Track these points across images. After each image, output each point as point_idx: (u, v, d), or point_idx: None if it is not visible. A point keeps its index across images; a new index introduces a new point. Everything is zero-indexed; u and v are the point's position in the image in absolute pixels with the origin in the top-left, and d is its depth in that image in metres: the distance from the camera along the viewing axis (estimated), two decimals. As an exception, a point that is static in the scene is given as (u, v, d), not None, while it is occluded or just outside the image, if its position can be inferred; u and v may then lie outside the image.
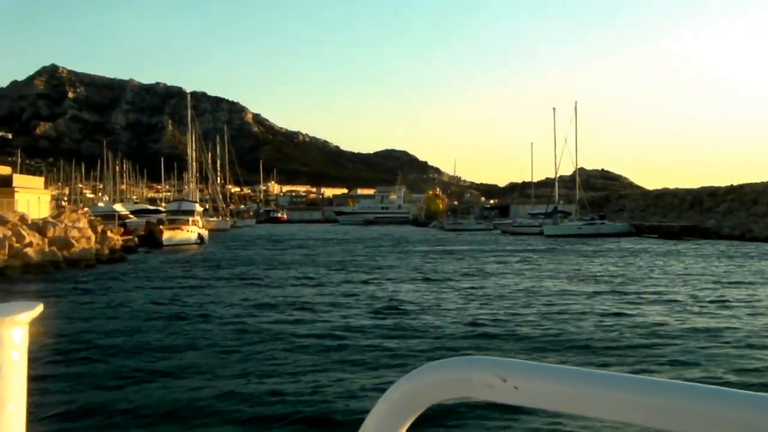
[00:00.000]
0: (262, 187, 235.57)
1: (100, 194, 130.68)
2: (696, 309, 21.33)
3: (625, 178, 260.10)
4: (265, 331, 17.79)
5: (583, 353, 14.82)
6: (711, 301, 23.04)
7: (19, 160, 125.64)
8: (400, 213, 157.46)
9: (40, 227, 37.19)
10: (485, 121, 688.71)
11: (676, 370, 13.19)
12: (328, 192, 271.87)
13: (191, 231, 60.16)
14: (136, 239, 53.03)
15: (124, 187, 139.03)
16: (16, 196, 46.24)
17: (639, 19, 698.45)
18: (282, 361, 14.16)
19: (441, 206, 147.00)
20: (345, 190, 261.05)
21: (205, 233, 63.50)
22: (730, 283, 28.98)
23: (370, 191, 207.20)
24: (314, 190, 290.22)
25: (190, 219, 61.73)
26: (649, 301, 23.24)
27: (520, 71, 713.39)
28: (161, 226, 57.79)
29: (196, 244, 59.65)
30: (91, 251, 37.85)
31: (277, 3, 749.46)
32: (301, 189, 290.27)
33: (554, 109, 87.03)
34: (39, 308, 1.59)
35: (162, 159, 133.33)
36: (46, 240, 36.04)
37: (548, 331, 17.50)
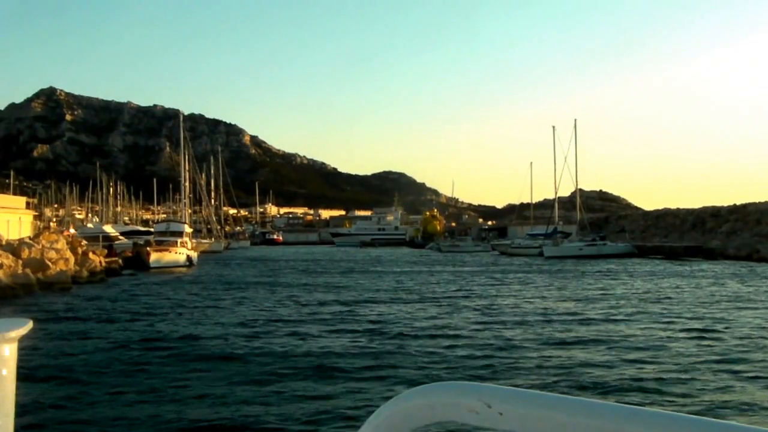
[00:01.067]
0: (260, 209, 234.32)
1: (90, 215, 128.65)
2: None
3: (623, 199, 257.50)
4: (235, 353, 16.58)
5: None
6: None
7: (12, 181, 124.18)
8: (397, 234, 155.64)
9: (14, 248, 35.33)
10: (483, 142, 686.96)
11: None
12: (326, 214, 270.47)
13: (179, 253, 58.28)
14: (120, 261, 51.16)
15: (119, 209, 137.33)
16: (-7, 216, 44.42)
17: (637, 40, 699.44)
18: (259, 386, 13.43)
19: (438, 227, 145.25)
20: (342, 212, 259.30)
21: (194, 255, 61.58)
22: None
23: (368, 213, 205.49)
24: (311, 212, 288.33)
25: (179, 240, 59.80)
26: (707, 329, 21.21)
27: (519, 91, 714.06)
28: (148, 248, 55.91)
29: (184, 266, 57.78)
30: (67, 274, 35.94)
31: (274, 27, 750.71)
32: (299, 211, 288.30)
33: (554, 127, 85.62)
34: (29, 325, 1.66)
35: (155, 180, 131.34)
36: (20, 262, 34.16)
37: (620, 369, 15.09)
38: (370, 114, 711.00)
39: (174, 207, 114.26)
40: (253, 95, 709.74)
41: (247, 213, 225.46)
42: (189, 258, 59.36)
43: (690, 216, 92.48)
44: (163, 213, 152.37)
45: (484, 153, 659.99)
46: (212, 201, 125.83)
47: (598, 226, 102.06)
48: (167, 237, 60.43)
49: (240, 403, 12.02)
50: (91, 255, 43.33)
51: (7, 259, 33.21)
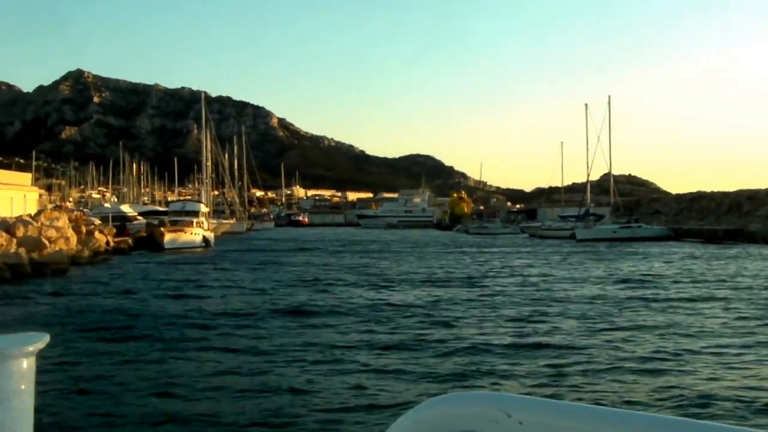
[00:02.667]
0: (287, 192, 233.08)
1: (109, 196, 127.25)
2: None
3: (652, 183, 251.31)
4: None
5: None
6: None
7: (33, 162, 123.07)
8: (424, 216, 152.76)
9: (8, 226, 33.12)
10: (512, 124, 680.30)
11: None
12: (353, 196, 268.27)
13: (195, 233, 56.02)
14: (130, 241, 49.02)
15: (142, 189, 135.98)
16: (-6, 192, 42.22)
17: (669, 22, 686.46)
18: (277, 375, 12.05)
19: (466, 209, 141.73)
20: (370, 195, 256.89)
21: (210, 235, 59.33)
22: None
23: (395, 195, 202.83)
24: (339, 194, 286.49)
25: (194, 220, 57.51)
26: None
27: (549, 69, 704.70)
28: (162, 228, 53.71)
29: (200, 247, 55.58)
30: (64, 254, 33.65)
31: (303, 8, 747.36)
32: (327, 193, 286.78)
33: (586, 105, 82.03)
34: (46, 339, 1.68)
35: (175, 161, 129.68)
36: (15, 240, 31.95)
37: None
38: (399, 96, 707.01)
39: (196, 188, 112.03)
40: (281, 77, 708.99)
41: (274, 195, 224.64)
42: (205, 238, 57.13)
43: (726, 199, 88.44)
44: (190, 195, 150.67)
45: (513, 135, 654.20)
46: (235, 182, 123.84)
47: (630, 209, 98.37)
48: (182, 217, 58.18)
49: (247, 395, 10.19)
50: (97, 234, 41.15)
51: (0, 238, 31.01)
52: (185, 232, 54.67)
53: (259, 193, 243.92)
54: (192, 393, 10.83)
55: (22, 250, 31.09)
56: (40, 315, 19.31)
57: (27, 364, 1.59)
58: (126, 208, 72.51)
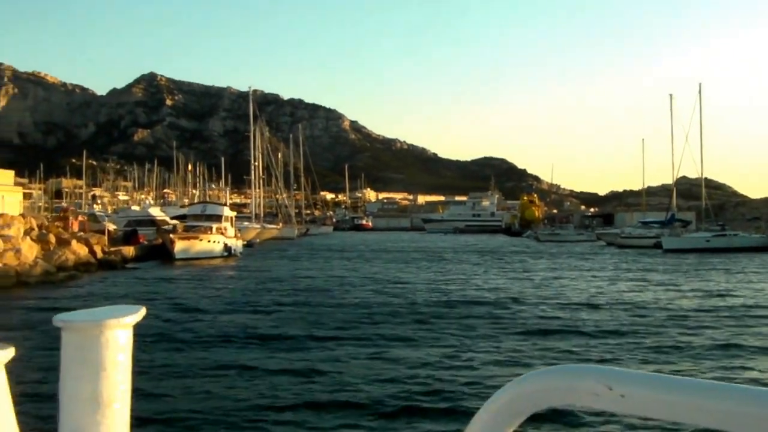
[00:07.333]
0: (358, 194, 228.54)
1: (143, 197, 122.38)
2: None
3: (729, 186, 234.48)
4: None
5: None
6: None
7: (84, 162, 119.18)
8: (493, 221, 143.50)
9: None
10: (586, 122, 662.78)
11: None
12: (422, 199, 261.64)
13: (214, 241, 48.74)
14: (131, 250, 42.11)
15: (196, 191, 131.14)
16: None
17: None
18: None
19: (537, 213, 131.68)
20: (441, 198, 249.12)
21: (235, 243, 51.91)
22: None
23: (465, 199, 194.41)
24: (410, 197, 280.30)
25: (215, 226, 50.11)
26: None
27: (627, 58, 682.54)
28: (171, 235, 46.57)
29: (220, 257, 48.33)
30: (5, 270, 26.60)
31: (374, 11, 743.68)
32: (398, 196, 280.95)
33: (671, 95, 71.91)
34: (142, 311, 1.75)
35: (223, 161, 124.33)
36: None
37: None
38: (471, 99, 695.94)
39: (266, 191, 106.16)
40: (354, 80, 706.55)
41: (344, 198, 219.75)
42: (227, 247, 49.72)
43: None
44: (245, 197, 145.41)
45: (587, 135, 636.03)
46: (291, 185, 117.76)
47: (714, 214, 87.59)
48: (202, 222, 50.99)
49: None
50: (74, 244, 34.08)
51: None
52: (201, 240, 47.48)
53: (329, 196, 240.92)
54: None
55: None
56: None
57: (124, 336, 1.64)
58: (155, 212, 65.99)
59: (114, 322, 1.60)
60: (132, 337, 1.66)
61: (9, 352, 1.46)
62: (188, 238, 46.59)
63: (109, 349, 1.60)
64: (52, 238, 32.53)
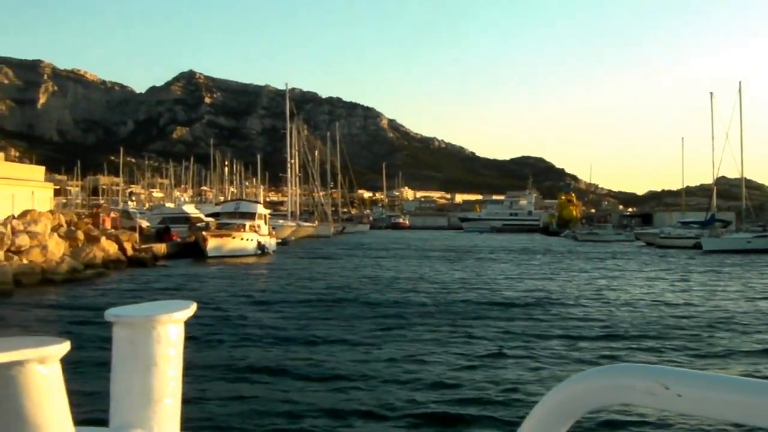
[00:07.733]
0: (395, 193, 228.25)
1: (179, 194, 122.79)
2: None
3: (767, 186, 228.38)
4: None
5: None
6: None
7: (121, 159, 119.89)
8: (530, 220, 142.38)
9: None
10: (625, 123, 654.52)
11: None
12: (460, 198, 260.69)
13: (247, 239, 48.46)
14: (163, 248, 41.94)
15: (233, 188, 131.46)
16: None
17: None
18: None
19: (575, 213, 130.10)
20: (479, 197, 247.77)
21: (269, 241, 51.65)
22: None
23: (502, 198, 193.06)
24: (448, 196, 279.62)
25: (248, 224, 49.83)
26: None
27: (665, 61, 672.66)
28: (204, 233, 46.36)
29: (254, 255, 47.99)
30: (31, 267, 26.42)
31: (411, 10, 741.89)
32: (435, 195, 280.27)
33: (711, 94, 70.10)
34: (194, 307, 1.76)
35: (258, 158, 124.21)
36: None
37: None
38: (510, 97, 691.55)
39: (304, 189, 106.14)
40: (392, 79, 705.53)
41: (382, 196, 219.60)
42: (261, 245, 49.43)
43: None
44: (282, 195, 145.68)
45: (626, 135, 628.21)
46: (327, 183, 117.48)
47: (755, 215, 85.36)
48: (235, 219, 50.74)
49: None
50: (104, 242, 33.90)
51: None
52: (234, 238, 47.21)
53: (366, 194, 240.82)
54: None
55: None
56: None
57: (175, 331, 1.64)
58: (190, 209, 66.01)
59: (165, 317, 1.60)
60: (183, 332, 1.67)
61: (65, 346, 1.45)
62: (221, 236, 46.40)
63: (160, 344, 1.59)
64: (81, 235, 32.40)
